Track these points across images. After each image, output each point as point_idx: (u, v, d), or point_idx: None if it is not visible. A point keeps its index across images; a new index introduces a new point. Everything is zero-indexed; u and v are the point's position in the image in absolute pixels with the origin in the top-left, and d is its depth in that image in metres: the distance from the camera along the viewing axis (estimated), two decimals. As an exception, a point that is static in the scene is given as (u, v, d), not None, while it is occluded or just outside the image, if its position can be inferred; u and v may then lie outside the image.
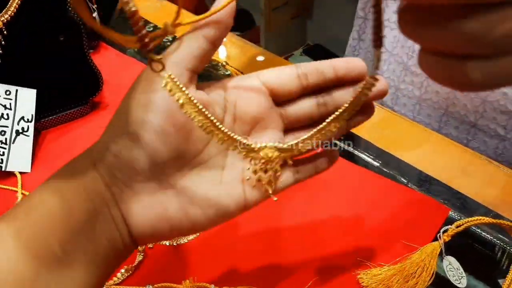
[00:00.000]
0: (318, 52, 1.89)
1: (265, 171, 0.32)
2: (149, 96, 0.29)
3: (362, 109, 0.32)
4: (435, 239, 0.47)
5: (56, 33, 0.58)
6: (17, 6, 0.55)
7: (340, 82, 0.33)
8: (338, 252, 0.47)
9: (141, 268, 0.46)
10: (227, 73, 0.71)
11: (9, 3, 0.54)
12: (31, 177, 0.55)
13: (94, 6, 0.72)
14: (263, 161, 0.32)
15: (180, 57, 0.29)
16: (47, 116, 0.60)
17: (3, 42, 0.55)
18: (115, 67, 0.71)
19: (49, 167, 0.57)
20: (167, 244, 0.48)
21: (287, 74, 0.33)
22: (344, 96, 0.33)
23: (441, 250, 0.45)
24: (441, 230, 0.46)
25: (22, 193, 0.53)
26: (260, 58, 0.75)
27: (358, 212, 0.50)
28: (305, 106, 0.34)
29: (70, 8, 0.57)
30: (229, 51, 0.77)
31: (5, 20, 0.55)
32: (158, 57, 0.26)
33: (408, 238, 0.47)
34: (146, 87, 0.29)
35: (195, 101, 0.28)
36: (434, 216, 0.49)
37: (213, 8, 0.29)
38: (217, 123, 0.29)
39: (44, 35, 0.58)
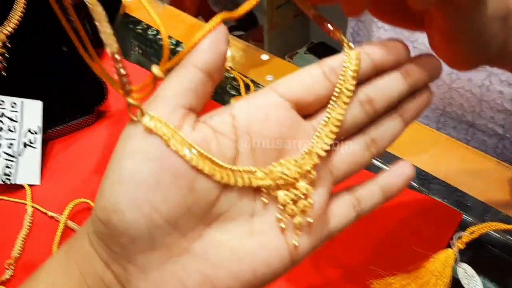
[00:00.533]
0: (322, 50, 1.88)
1: (294, 201, 0.26)
2: (132, 143, 0.24)
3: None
4: (448, 245, 0.46)
5: (59, 43, 0.58)
6: (19, 18, 0.55)
7: (378, 71, 0.27)
8: (350, 260, 0.46)
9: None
10: (231, 75, 0.71)
11: (11, 15, 0.54)
12: (40, 189, 0.55)
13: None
14: (281, 183, 0.26)
15: (168, 93, 0.25)
16: (53, 126, 0.60)
17: (7, 55, 0.55)
18: (120, 74, 0.71)
19: (58, 178, 0.56)
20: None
21: (311, 76, 0.27)
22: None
23: (456, 257, 0.44)
24: (455, 237, 0.46)
25: (31, 206, 0.53)
26: (265, 57, 0.75)
27: (369, 218, 0.50)
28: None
29: (72, 18, 0.57)
30: (232, 54, 0.77)
31: (8, 33, 0.54)
32: (135, 102, 0.23)
33: (420, 245, 0.46)
34: (128, 133, 0.24)
35: (186, 138, 0.24)
36: (447, 221, 0.49)
37: (201, 32, 0.25)
38: (213, 158, 0.24)
39: (47, 46, 0.58)
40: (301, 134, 0.27)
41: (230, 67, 0.70)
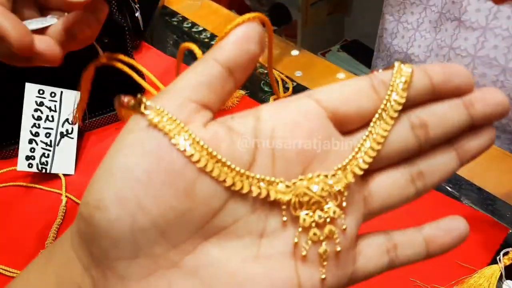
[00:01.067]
0: (356, 48, 1.85)
1: (319, 225, 0.21)
2: (131, 136, 0.21)
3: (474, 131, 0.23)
4: (493, 261, 0.44)
5: (101, 35, 0.58)
6: (63, 8, 0.54)
7: (435, 95, 0.23)
8: (389, 272, 0.45)
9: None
10: (265, 71, 0.69)
11: (56, 4, 0.54)
12: (74, 179, 0.55)
13: (137, 6, 0.71)
14: (305, 201, 0.21)
15: (178, 86, 0.22)
16: (90, 118, 0.60)
17: (49, 44, 0.55)
18: (155, 67, 0.70)
19: (92, 169, 0.56)
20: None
21: (355, 85, 0.23)
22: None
23: (501, 274, 0.42)
24: (502, 253, 0.44)
25: (66, 196, 0.53)
26: (295, 52, 0.73)
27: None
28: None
29: (115, 11, 0.57)
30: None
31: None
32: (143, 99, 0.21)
33: (464, 259, 0.44)
34: (129, 127, 0.21)
35: (192, 134, 0.20)
36: (492, 236, 0.46)
37: (231, 25, 0.22)
38: (223, 159, 0.20)
39: (89, 36, 0.57)
40: (335, 150, 0.22)
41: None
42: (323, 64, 0.72)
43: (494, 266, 0.43)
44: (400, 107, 0.22)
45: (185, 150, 0.20)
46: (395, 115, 0.22)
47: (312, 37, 1.83)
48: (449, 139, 0.24)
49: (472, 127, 0.23)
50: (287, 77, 0.68)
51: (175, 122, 0.20)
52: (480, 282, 0.42)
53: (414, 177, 0.24)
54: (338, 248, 0.22)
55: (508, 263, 0.43)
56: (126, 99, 0.22)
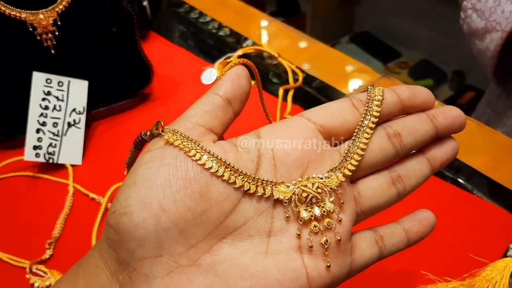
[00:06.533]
0: (366, 40, 1.83)
1: (318, 219, 0.25)
2: (151, 153, 0.25)
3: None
4: (506, 254, 0.43)
5: (109, 24, 0.57)
6: (71, -4, 0.54)
7: (405, 110, 0.29)
8: (400, 264, 0.44)
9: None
10: (273, 63, 0.68)
11: (63, -7, 0.54)
12: (81, 170, 0.55)
13: (145, -5, 0.70)
14: (304, 198, 0.25)
15: (188, 114, 0.27)
16: (97, 108, 0.59)
17: (57, 33, 0.54)
18: (163, 56, 0.70)
19: (99, 160, 0.56)
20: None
21: (338, 104, 0.28)
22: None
23: (514, 267, 0.41)
24: (515, 246, 0.43)
25: (73, 186, 0.53)
26: (303, 44, 0.72)
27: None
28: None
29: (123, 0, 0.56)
30: (279, 41, 0.75)
31: (60, 11, 0.54)
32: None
33: (476, 252, 0.44)
34: (149, 147, 0.26)
35: (204, 148, 0.25)
36: (505, 228, 0.46)
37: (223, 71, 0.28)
38: (231, 164, 0.25)
39: (97, 26, 0.57)
40: (326, 157, 0.27)
41: (278, 54, 0.68)
42: (335, 55, 0.71)
43: (507, 259, 0.42)
44: (376, 120, 0.27)
45: (198, 159, 0.24)
46: (373, 126, 0.27)
47: (321, 29, 1.82)
48: (420, 148, 0.29)
49: (438, 138, 0.29)
50: (297, 67, 0.67)
51: (188, 140, 0.25)
52: (492, 275, 0.41)
53: (394, 180, 0.28)
54: (338, 237, 0.25)
55: (521, 256, 0.42)
56: (147, 133, 0.27)
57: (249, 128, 0.29)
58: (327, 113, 0.27)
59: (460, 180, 0.51)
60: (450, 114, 0.28)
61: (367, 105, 0.27)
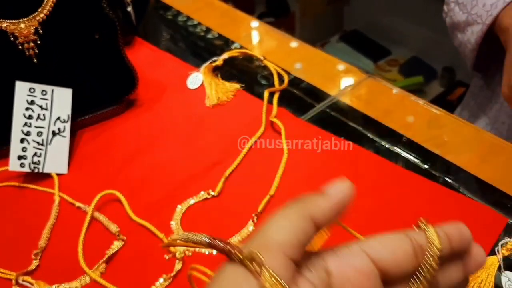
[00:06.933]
0: (355, 38, 1.83)
1: None
2: None
3: None
4: (492, 252, 0.43)
5: (91, 31, 0.57)
6: (52, 4, 0.54)
7: (452, 256, 0.28)
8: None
9: (179, 277, 0.45)
10: (261, 65, 0.68)
11: (44, 2, 0.53)
12: (67, 179, 0.55)
13: (129, 0, 0.70)
14: None
15: (279, 240, 0.24)
16: (82, 115, 0.59)
17: (39, 42, 0.54)
18: (149, 62, 0.69)
19: (85, 168, 0.56)
20: (207, 253, 0.46)
21: (403, 251, 0.26)
22: None
23: (500, 265, 0.42)
24: (500, 244, 0.43)
25: (59, 195, 0.53)
26: (290, 46, 0.72)
27: (406, 220, 0.47)
28: None
29: (105, 6, 0.56)
30: (266, 43, 0.75)
31: (41, 19, 0.53)
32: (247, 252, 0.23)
33: (462, 251, 0.44)
34: (237, 283, 0.24)
35: None
36: (491, 226, 0.46)
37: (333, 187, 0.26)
38: None
39: (79, 33, 0.57)
40: None
41: (263, 57, 0.68)
42: (322, 57, 0.71)
43: (493, 258, 0.42)
44: (434, 273, 0.26)
45: None
46: (431, 279, 0.26)
47: (311, 28, 1.82)
48: None
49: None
50: (283, 69, 0.67)
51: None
52: (478, 274, 0.41)
53: None
54: None
55: (506, 254, 0.42)
56: (236, 250, 0.24)
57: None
58: (390, 260, 0.26)
59: (447, 179, 0.52)
60: (479, 260, 0.29)
61: (427, 257, 0.27)
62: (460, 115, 0.84)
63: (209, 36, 0.76)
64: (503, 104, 0.69)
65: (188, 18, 0.80)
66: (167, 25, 0.80)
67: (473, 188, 0.51)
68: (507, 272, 0.42)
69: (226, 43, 0.74)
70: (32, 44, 0.54)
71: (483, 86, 0.75)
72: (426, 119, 0.59)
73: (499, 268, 0.42)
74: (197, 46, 0.75)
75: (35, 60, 0.55)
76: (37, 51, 0.54)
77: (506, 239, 0.43)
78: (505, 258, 0.42)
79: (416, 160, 0.54)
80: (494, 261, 0.42)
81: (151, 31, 0.80)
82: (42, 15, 0.53)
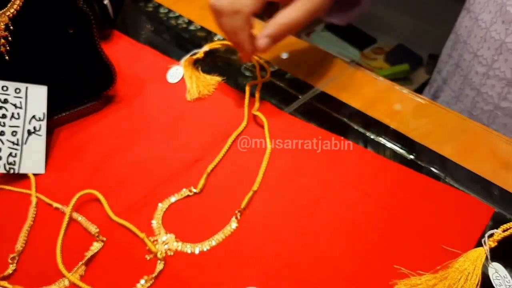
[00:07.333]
0: (340, 27, 1.81)
1: None
2: None
3: None
4: (479, 243, 0.43)
5: (64, 26, 0.55)
6: (22, -1, 0.51)
7: None
8: (372, 259, 0.43)
9: (161, 278, 0.44)
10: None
11: (14, -4, 0.51)
12: (45, 179, 0.53)
13: (105, -7, 0.68)
14: None
15: None
16: (59, 113, 0.57)
17: (10, 39, 0.52)
18: (128, 56, 0.68)
19: (63, 167, 0.54)
20: (189, 252, 0.45)
21: None
22: None
23: (487, 256, 0.41)
24: (486, 235, 0.42)
25: (36, 196, 0.51)
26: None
27: (393, 213, 0.47)
28: None
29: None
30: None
31: (11, 15, 0.51)
32: None
33: (449, 243, 0.43)
34: None
35: None
36: (478, 217, 0.45)
37: None
38: None
39: (52, 28, 0.55)
40: None
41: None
42: (302, 46, 0.70)
43: (479, 249, 0.41)
44: None
45: None
46: None
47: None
48: None
49: None
50: (266, 62, 0.65)
51: None
52: (465, 266, 0.40)
53: None
54: None
55: (493, 245, 0.41)
56: None
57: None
58: None
59: (432, 169, 0.51)
60: None
61: None
62: (428, 93, 0.85)
63: (192, 27, 0.74)
64: (467, 76, 0.69)
65: (170, 10, 0.78)
66: (148, 17, 0.78)
67: (459, 177, 0.50)
68: (494, 264, 0.41)
69: (209, 35, 0.72)
70: (3, 40, 0.52)
71: (448, 62, 0.75)
72: (411, 108, 0.58)
73: (486, 259, 0.41)
74: (180, 38, 0.73)
75: (7, 57, 0.53)
76: (8, 48, 0.52)
77: (493, 230, 0.42)
78: (492, 249, 0.42)
79: (401, 151, 0.53)
80: (481, 253, 0.41)
81: (131, 24, 0.78)
82: (12, 10, 0.51)
